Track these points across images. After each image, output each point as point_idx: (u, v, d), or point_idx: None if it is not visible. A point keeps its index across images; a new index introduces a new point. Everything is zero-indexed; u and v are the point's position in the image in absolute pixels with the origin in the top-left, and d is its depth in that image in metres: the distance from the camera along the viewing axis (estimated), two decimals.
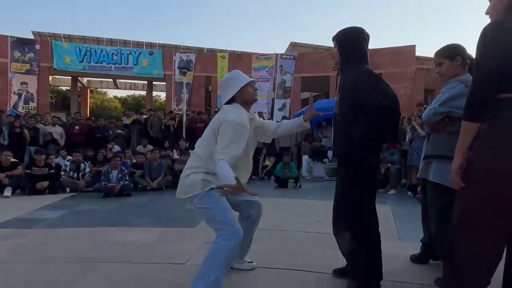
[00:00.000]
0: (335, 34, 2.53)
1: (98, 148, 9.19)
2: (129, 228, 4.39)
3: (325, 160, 9.86)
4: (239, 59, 19.73)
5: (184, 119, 10.77)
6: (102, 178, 6.93)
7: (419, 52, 19.62)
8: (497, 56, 1.61)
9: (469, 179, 1.72)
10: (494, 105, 1.65)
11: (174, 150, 9.84)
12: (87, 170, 7.74)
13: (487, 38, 1.64)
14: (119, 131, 10.74)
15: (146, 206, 5.90)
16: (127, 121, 11.44)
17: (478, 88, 1.67)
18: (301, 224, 4.52)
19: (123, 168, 7.13)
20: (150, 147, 9.42)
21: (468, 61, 2.61)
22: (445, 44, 2.67)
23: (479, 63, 1.70)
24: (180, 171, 7.89)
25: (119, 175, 6.97)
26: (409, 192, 6.91)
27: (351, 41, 2.41)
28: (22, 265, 3.03)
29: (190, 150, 8.58)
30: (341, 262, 2.64)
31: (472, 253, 1.69)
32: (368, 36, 2.45)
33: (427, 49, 63.28)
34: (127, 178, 7.07)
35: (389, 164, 7.30)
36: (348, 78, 2.36)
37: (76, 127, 10.44)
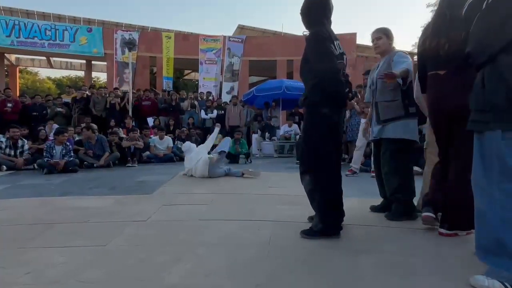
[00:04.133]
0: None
1: (36, 128, 8.69)
2: (83, 196, 4.35)
3: (274, 138, 10.24)
4: (186, 40, 19.41)
5: (130, 97, 10.51)
6: (44, 154, 6.63)
7: (359, 41, 20.76)
8: None
9: None
10: None
11: (120, 129, 9.60)
12: (26, 147, 7.34)
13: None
14: (58, 109, 10.21)
15: (97, 179, 5.81)
16: (67, 98, 10.89)
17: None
18: (256, 188, 4.79)
19: (68, 143, 6.88)
20: (93, 126, 9.09)
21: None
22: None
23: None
24: (129, 148, 7.83)
25: (63, 151, 6.72)
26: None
27: None
28: None
29: (145, 130, 8.42)
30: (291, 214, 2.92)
31: None
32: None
33: (367, 39, 66.66)
34: (72, 154, 6.84)
35: None
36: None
37: (9, 105, 9.74)
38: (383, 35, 3.31)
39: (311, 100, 2.61)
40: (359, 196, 4.20)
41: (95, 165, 7.32)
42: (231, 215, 3.36)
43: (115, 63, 18.66)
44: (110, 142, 7.88)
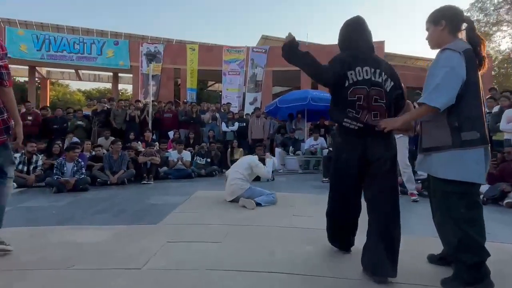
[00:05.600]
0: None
1: (55, 141, 8.31)
2: (80, 226, 3.74)
3: (298, 152, 9.47)
4: (210, 51, 19.06)
5: (150, 110, 10.03)
6: (54, 171, 6.15)
7: (387, 49, 19.77)
8: None
9: None
10: None
11: (139, 142, 9.11)
12: (39, 162, 6.91)
13: None
14: (79, 122, 9.84)
15: (105, 200, 5.23)
16: (87, 111, 10.54)
17: None
18: (278, 218, 4.04)
19: (79, 160, 6.38)
20: (112, 139, 8.66)
21: (463, 24, 2.31)
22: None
23: None
24: (145, 164, 7.27)
25: (75, 168, 6.22)
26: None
27: None
28: None
29: (157, 142, 7.88)
30: (323, 262, 2.18)
31: None
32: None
33: (394, 47, 64.75)
34: (84, 171, 6.33)
35: None
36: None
37: (29, 118, 9.44)
38: (429, 24, 2.38)
39: None
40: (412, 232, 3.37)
41: (108, 182, 6.78)
42: (246, 260, 2.63)
43: (140, 75, 18.51)
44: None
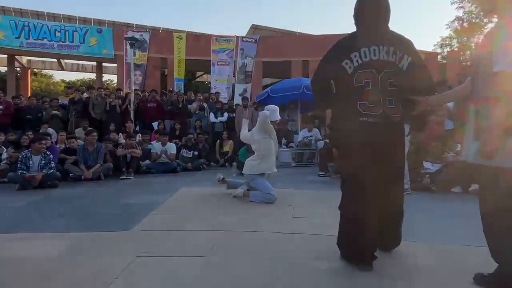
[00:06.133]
0: None
1: (27, 132, 7.45)
2: (34, 234, 2.99)
3: (292, 144, 8.80)
4: (197, 41, 18.17)
5: (132, 98, 9.18)
6: (19, 165, 5.34)
7: None
8: None
9: None
10: None
11: (120, 133, 8.31)
12: (4, 156, 6.09)
13: None
14: (54, 112, 8.98)
15: (73, 200, 4.47)
16: (64, 100, 9.66)
17: None
18: (275, 221, 3.35)
19: (48, 153, 5.58)
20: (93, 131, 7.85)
21: None
22: None
23: None
24: (124, 157, 6.50)
25: (42, 162, 5.43)
26: None
27: None
28: None
29: (139, 134, 7.12)
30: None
31: None
32: None
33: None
34: (53, 165, 5.53)
35: None
36: None
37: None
38: None
39: None
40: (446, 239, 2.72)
41: (82, 177, 6.00)
42: (237, 285, 1.95)
43: (125, 64, 17.53)
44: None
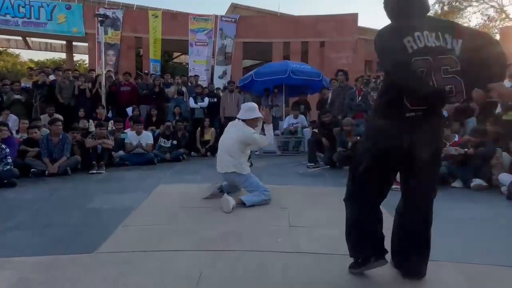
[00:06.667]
0: None
1: None
2: None
3: (277, 132, 8.25)
4: (174, 19, 17.06)
5: (103, 81, 8.31)
6: None
7: (360, 23, 18.71)
8: None
9: None
10: None
11: (90, 120, 7.50)
12: None
13: None
14: (16, 96, 8.03)
15: (32, 204, 3.77)
16: (27, 82, 8.68)
17: None
18: (270, 233, 2.82)
19: (4, 146, 4.79)
20: (58, 117, 7.05)
21: None
22: None
23: None
24: (94, 148, 5.78)
25: None
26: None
27: None
28: None
29: (111, 121, 6.34)
30: None
31: None
32: None
33: (367, 20, 63.30)
34: (9, 161, 4.75)
35: (358, 137, 5.88)
36: None
37: None
38: None
39: None
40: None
41: (46, 172, 5.26)
42: None
43: (97, 44, 16.29)
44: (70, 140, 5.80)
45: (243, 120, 3.85)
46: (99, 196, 4.11)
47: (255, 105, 4.04)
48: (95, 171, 5.57)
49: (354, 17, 18.11)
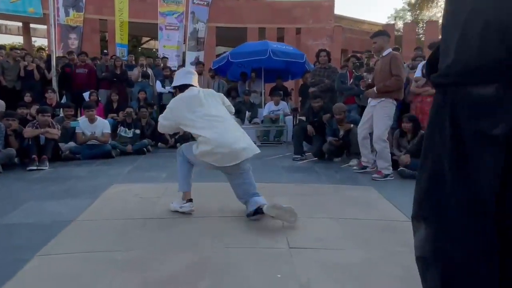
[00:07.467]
0: None
1: None
2: None
3: (256, 120, 7.26)
4: (143, 1, 15.71)
5: (53, 61, 6.96)
6: None
7: (336, 10, 18.04)
8: None
9: None
10: None
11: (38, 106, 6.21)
12: None
13: None
14: None
15: None
16: None
17: None
18: (265, 259, 1.87)
19: None
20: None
21: None
22: None
23: None
24: (36, 139, 4.41)
25: None
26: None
27: None
28: None
29: (67, 109, 5.05)
30: None
31: None
32: None
33: (342, 8, 62.48)
34: None
35: (352, 125, 5.00)
36: None
37: None
38: None
39: None
40: None
41: None
42: None
43: (57, 26, 14.60)
44: (5, 129, 4.56)
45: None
46: (28, 203, 2.98)
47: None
48: (34, 167, 4.37)
49: (330, 3, 17.38)
